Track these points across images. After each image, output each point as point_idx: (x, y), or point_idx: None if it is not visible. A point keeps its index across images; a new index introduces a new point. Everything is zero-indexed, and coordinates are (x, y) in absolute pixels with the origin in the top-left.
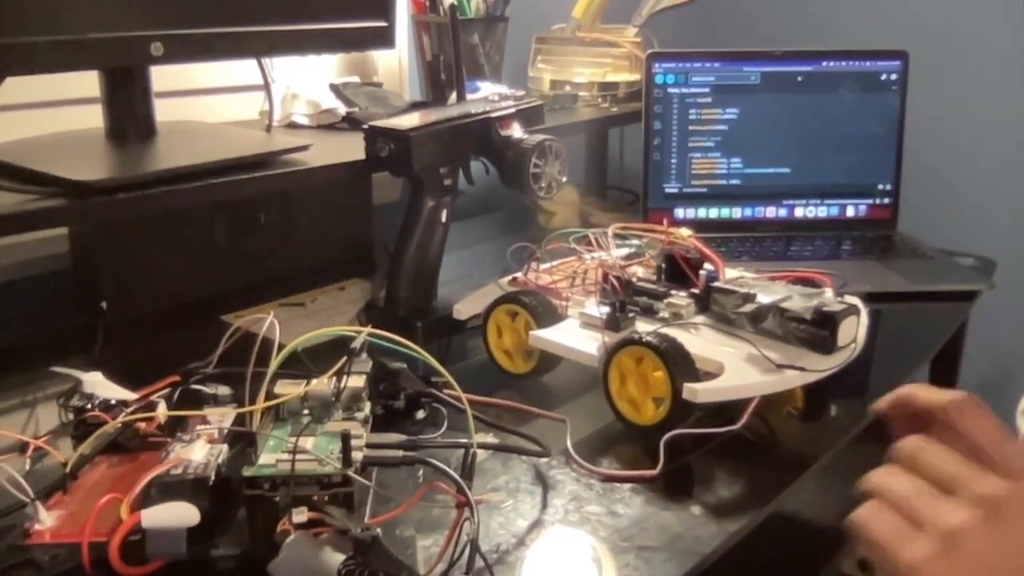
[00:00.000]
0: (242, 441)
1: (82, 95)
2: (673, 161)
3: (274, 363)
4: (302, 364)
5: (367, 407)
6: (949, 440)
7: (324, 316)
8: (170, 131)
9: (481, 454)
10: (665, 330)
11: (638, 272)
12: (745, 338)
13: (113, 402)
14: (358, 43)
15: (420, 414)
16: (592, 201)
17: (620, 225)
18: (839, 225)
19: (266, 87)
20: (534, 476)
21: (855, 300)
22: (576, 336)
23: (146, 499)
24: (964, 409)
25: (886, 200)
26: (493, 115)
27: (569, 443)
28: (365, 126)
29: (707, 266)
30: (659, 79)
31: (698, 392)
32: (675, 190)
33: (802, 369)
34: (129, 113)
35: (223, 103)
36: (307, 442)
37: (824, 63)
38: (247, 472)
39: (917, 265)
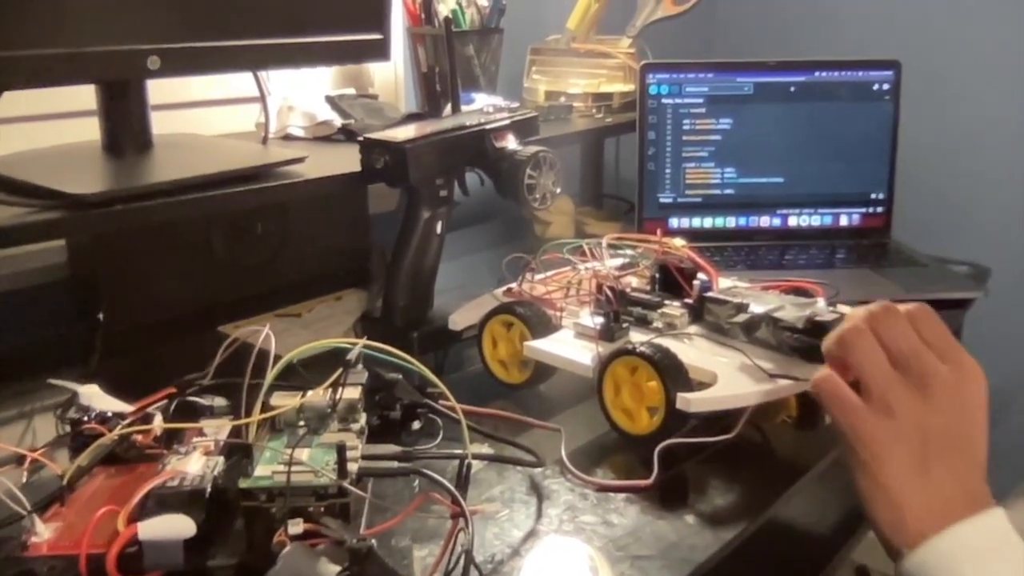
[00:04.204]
0: (238, 453)
1: (79, 108)
2: (667, 171)
3: (270, 375)
4: (298, 375)
5: (363, 418)
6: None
7: (320, 326)
8: (167, 144)
9: (476, 465)
10: (659, 340)
11: (632, 282)
12: (738, 348)
13: (110, 414)
14: (354, 55)
15: (415, 425)
16: (588, 210)
17: (614, 236)
18: (833, 234)
19: (262, 99)
20: (529, 486)
21: (847, 309)
22: (571, 346)
23: (143, 511)
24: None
25: (880, 209)
26: (488, 127)
27: (564, 453)
28: (361, 138)
29: (701, 276)
30: (653, 90)
31: (692, 402)
32: (670, 200)
33: (795, 378)
34: (126, 126)
35: (219, 115)
36: (303, 453)
37: (817, 73)
38: (243, 484)
39: (911, 273)
